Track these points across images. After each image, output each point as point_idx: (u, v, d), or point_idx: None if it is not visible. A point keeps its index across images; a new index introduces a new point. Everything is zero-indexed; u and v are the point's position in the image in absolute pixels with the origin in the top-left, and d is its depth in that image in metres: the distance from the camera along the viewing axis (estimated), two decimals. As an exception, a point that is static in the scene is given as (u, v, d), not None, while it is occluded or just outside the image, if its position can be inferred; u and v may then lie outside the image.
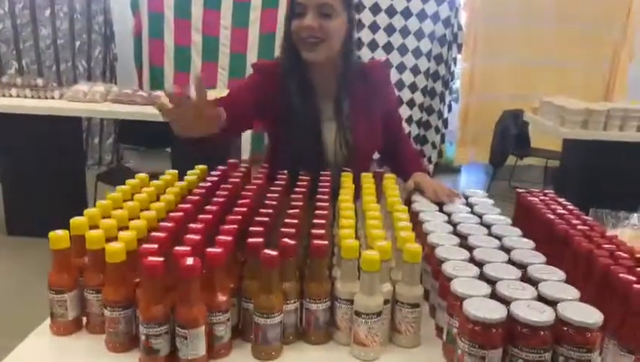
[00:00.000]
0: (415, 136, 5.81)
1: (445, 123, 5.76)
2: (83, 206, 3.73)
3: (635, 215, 1.36)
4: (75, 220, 0.92)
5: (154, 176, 3.91)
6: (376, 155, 1.66)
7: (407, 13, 5.40)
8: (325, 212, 1.03)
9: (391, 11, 5.39)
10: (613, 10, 5.39)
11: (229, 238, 0.88)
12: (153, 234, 0.88)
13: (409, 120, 5.74)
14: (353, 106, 1.48)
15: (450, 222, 1.15)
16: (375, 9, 5.41)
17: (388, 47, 5.49)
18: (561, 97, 3.78)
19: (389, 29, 5.44)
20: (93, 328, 0.89)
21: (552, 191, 1.34)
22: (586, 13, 5.41)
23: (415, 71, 5.59)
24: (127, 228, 0.94)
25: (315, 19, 1.33)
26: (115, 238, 0.89)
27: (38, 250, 3.36)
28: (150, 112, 3.32)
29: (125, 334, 0.85)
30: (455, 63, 5.70)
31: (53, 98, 3.48)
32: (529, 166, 5.61)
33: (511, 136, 4.98)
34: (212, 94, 3.93)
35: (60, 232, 0.88)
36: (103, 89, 3.50)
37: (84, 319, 0.91)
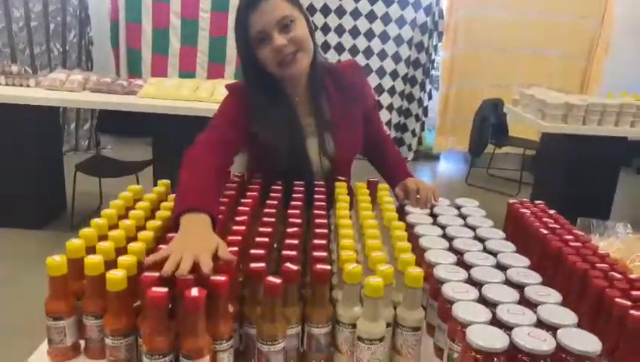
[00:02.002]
0: (396, 123, 5.85)
1: (425, 111, 5.80)
2: (62, 197, 3.67)
3: (620, 224, 1.39)
4: (71, 243, 0.90)
5: (138, 167, 3.82)
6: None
7: (388, 1, 5.37)
8: (324, 230, 1.02)
9: (373, -2, 5.36)
10: (591, 3, 5.46)
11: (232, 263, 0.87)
12: (154, 259, 0.87)
13: (390, 107, 5.76)
14: (332, 115, 1.46)
15: (445, 235, 1.16)
16: (357, -5, 5.37)
17: (369, 35, 5.48)
18: (541, 90, 3.83)
19: (371, 16, 5.42)
20: (92, 354, 0.88)
21: (541, 202, 1.36)
22: (565, 4, 5.47)
23: (396, 58, 5.59)
24: (125, 249, 0.92)
25: (281, 37, 1.28)
26: (114, 262, 0.88)
27: (15, 240, 3.31)
28: (130, 102, 3.26)
29: None
30: (436, 51, 5.72)
31: (28, 86, 3.38)
32: (506, 154, 5.70)
33: (490, 125, 5.04)
34: (194, 81, 3.82)
35: (57, 258, 0.86)
36: (81, 77, 3.41)
37: (82, 343, 0.90)
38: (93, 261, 0.86)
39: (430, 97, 5.82)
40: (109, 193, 3.58)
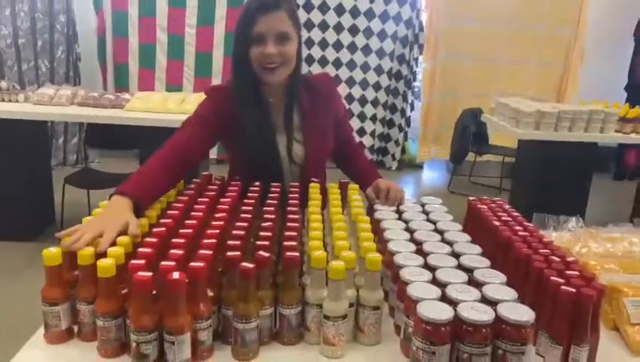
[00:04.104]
0: (379, 133, 5.99)
1: (408, 121, 5.94)
2: (51, 210, 3.74)
3: (573, 218, 1.51)
4: (66, 238, 1.00)
5: (125, 179, 3.89)
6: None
7: (370, 15, 5.54)
8: (296, 224, 1.13)
9: (355, 12, 5.52)
10: (565, 13, 5.67)
11: (209, 252, 0.97)
12: (140, 249, 0.97)
13: (373, 118, 5.91)
14: (302, 117, 1.61)
15: (408, 229, 1.27)
16: (339, 10, 5.53)
17: (352, 48, 5.63)
18: (516, 98, 3.98)
19: (353, 30, 5.57)
20: (85, 336, 0.98)
21: (500, 199, 1.48)
22: (541, 14, 5.67)
23: (379, 71, 5.74)
24: (114, 243, 1.02)
25: (274, 47, 1.44)
26: (104, 254, 0.98)
27: (4, 252, 3.37)
28: (118, 115, 3.36)
29: (116, 341, 0.94)
30: (417, 63, 5.87)
31: (17, 101, 3.46)
32: (487, 162, 5.84)
33: (470, 134, 5.18)
34: (180, 94, 3.91)
35: (53, 250, 0.96)
36: (70, 92, 3.50)
37: (76, 328, 1.00)
38: (86, 252, 0.96)
39: (412, 108, 5.96)
40: (97, 204, 3.64)
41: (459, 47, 5.78)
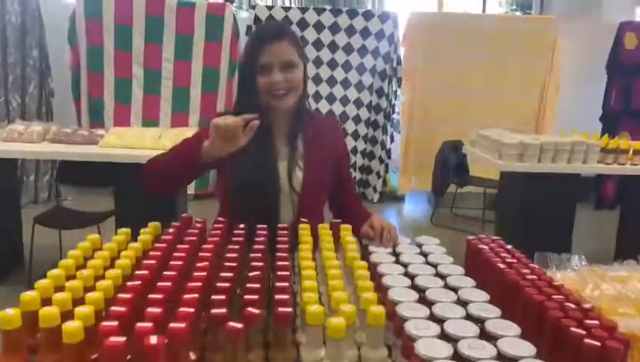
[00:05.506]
0: (360, 165, 5.94)
1: (388, 153, 5.92)
2: (19, 252, 3.55)
3: (575, 256, 1.44)
4: (25, 296, 0.88)
5: (99, 217, 3.74)
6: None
7: (349, 49, 5.56)
8: (287, 273, 1.03)
9: (333, 47, 5.54)
10: (540, 47, 5.77)
11: (191, 310, 0.86)
12: (112, 308, 0.85)
13: (354, 150, 5.87)
14: (306, 146, 1.62)
15: (407, 274, 1.18)
16: (318, 45, 5.54)
17: (331, 81, 5.63)
18: (496, 130, 3.97)
19: (332, 64, 5.58)
20: (47, 411, 0.85)
21: (499, 238, 1.40)
22: (518, 46, 5.76)
23: (358, 104, 5.75)
24: (82, 300, 0.90)
25: (280, 75, 1.49)
26: (71, 313, 0.86)
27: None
28: (91, 152, 3.22)
29: (83, 417, 0.81)
30: (395, 96, 5.90)
31: (-15, 138, 3.31)
32: (468, 193, 5.82)
33: (451, 165, 5.17)
34: (157, 130, 3.83)
35: (10, 311, 0.83)
36: (41, 128, 3.36)
37: (37, 401, 0.86)
38: (49, 312, 0.84)
39: (392, 140, 5.96)
40: (69, 245, 3.48)
41: (436, 79, 5.83)
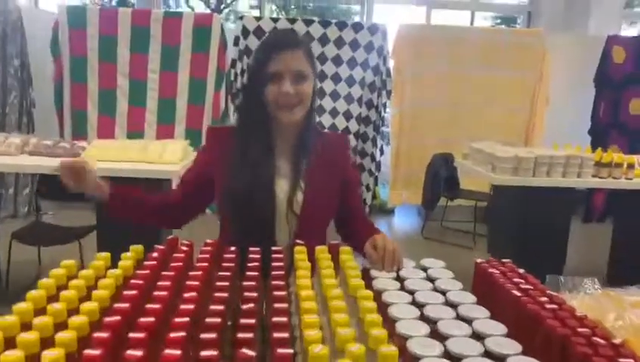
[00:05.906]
0: (349, 179, 5.85)
1: (378, 166, 5.84)
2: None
3: (588, 280, 1.35)
4: (3, 321, 0.78)
5: (80, 233, 3.58)
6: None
7: (338, 61, 5.49)
8: (285, 305, 0.92)
9: (322, 58, 5.46)
10: (530, 57, 5.75)
11: (177, 352, 0.75)
12: (87, 352, 0.74)
13: (343, 163, 5.77)
14: (309, 165, 1.50)
15: (414, 302, 1.08)
16: (307, 56, 5.45)
17: (320, 93, 5.54)
18: (488, 143, 3.91)
19: (321, 76, 5.49)
20: None
21: (509, 261, 1.31)
22: (507, 59, 5.74)
23: (347, 116, 5.66)
24: (52, 341, 0.79)
25: (291, 86, 1.40)
26: (51, 339, 0.75)
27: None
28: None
29: None
30: (385, 109, 5.83)
31: (-40, 151, 3.16)
32: (459, 206, 5.76)
33: (441, 178, 5.11)
34: (141, 142, 3.70)
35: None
36: (19, 140, 3.22)
37: None
38: (27, 339, 0.73)
39: (382, 152, 5.88)
40: (49, 262, 3.33)
41: (425, 92, 5.79)
